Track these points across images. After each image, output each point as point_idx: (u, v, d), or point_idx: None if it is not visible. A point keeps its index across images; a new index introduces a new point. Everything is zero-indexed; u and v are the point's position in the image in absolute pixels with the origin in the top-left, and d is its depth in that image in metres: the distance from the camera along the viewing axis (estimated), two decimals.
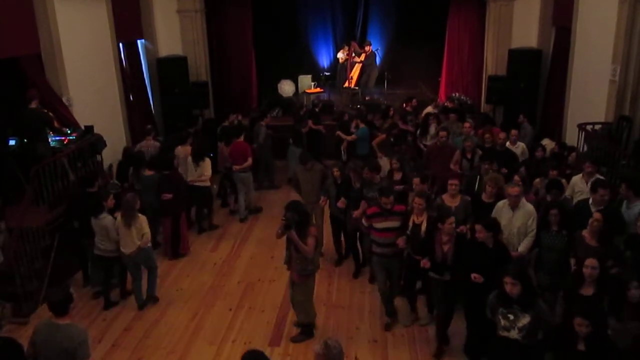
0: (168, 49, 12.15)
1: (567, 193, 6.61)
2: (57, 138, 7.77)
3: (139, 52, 11.50)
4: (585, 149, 8.57)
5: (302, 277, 5.62)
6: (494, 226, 5.13)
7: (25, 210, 6.62)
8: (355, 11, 15.23)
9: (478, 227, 5.10)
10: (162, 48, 12.09)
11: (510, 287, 4.23)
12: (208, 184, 8.44)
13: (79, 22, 8.86)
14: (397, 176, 7.41)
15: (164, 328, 6.21)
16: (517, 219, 5.70)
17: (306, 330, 5.94)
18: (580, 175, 6.59)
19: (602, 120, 8.63)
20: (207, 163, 8.27)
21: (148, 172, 7.78)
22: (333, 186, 7.27)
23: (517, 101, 11.25)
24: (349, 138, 10.10)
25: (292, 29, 14.79)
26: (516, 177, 6.36)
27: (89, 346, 4.04)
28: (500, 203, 5.86)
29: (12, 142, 7.74)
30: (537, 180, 7.05)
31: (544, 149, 8.26)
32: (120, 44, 10.42)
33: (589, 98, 9.27)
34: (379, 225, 5.82)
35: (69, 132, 7.99)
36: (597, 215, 5.19)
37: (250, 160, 8.87)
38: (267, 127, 10.39)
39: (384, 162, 9.25)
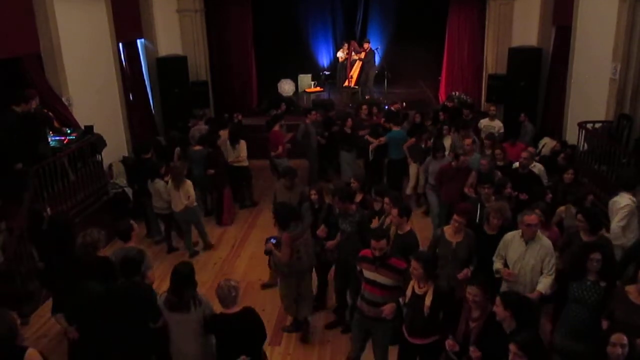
0: (168, 49, 12.16)
1: None
2: (57, 138, 7.76)
3: (138, 52, 11.51)
4: (586, 147, 8.57)
5: (285, 276, 5.66)
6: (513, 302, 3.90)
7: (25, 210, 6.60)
8: (355, 10, 15.26)
9: (472, 289, 4.02)
10: (161, 48, 12.09)
11: (513, 356, 3.45)
12: (245, 163, 9.28)
13: (79, 22, 8.85)
14: (358, 198, 6.25)
15: None
16: (531, 255, 4.74)
17: (295, 323, 6.02)
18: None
19: (603, 118, 8.63)
20: (243, 145, 9.13)
21: (196, 148, 8.78)
22: (309, 212, 6.29)
23: (518, 100, 11.26)
24: (376, 142, 9.30)
25: (292, 28, 14.81)
26: (537, 211, 5.14)
27: (150, 260, 5.17)
28: (509, 235, 4.94)
29: None
30: (562, 208, 5.86)
31: (574, 171, 6.82)
32: (120, 44, 10.42)
33: (590, 96, 9.27)
34: (369, 275, 4.63)
35: (68, 132, 7.98)
36: None
37: (280, 149, 9.43)
38: (311, 125, 9.97)
39: (412, 168, 9.01)
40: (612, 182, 7.03)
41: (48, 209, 6.50)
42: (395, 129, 9.18)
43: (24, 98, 6.66)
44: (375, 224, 5.89)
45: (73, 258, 4.82)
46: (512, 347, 3.42)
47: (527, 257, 4.74)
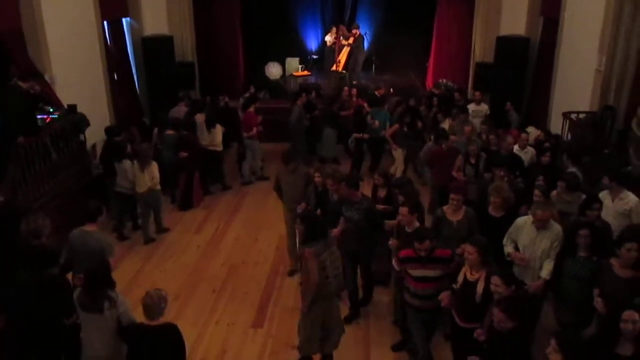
0: (154, 28, 11.96)
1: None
2: (40, 117, 7.63)
3: (123, 31, 11.30)
4: (569, 137, 8.66)
5: (312, 303, 4.73)
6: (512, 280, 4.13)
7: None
8: None
9: (495, 279, 4.08)
10: (147, 27, 11.90)
11: (550, 349, 3.41)
12: (219, 148, 9.37)
13: None
14: (382, 193, 6.17)
15: None
16: (542, 240, 4.86)
17: None
18: (607, 191, 5.63)
19: (587, 109, 8.71)
20: (219, 130, 9.20)
21: (169, 132, 8.80)
22: (313, 194, 6.25)
23: (504, 88, 11.29)
24: (359, 136, 9.78)
25: (280, 11, 14.64)
26: (536, 192, 5.44)
27: (113, 248, 5.25)
28: (521, 220, 5.04)
29: None
30: (554, 192, 5.87)
31: (552, 152, 7.01)
32: (105, 22, 10.22)
33: (575, 87, 9.34)
34: (416, 273, 4.66)
35: (51, 110, 7.85)
36: (632, 245, 4.20)
37: (254, 130, 9.51)
38: (303, 107, 10.32)
39: (398, 154, 9.31)
40: (594, 172, 7.12)
41: (1, 197, 6.03)
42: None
43: (28, 75, 6.75)
44: (392, 224, 5.59)
45: (12, 246, 4.64)
46: (552, 343, 3.40)
47: (537, 243, 4.87)
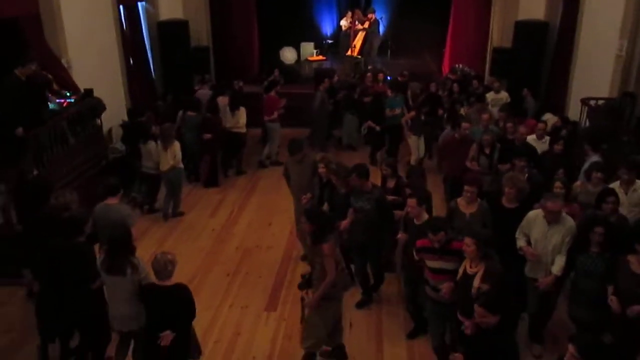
0: (169, 13, 11.97)
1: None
2: (57, 101, 7.71)
3: (139, 15, 11.32)
4: (587, 124, 8.54)
5: (328, 300, 4.70)
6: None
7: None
8: None
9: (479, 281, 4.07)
10: (163, 11, 11.91)
11: (569, 356, 3.26)
12: (243, 130, 9.39)
13: None
14: (390, 184, 6.08)
15: None
16: (553, 235, 4.71)
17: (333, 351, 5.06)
18: (618, 183, 5.39)
19: (607, 95, 8.56)
20: (242, 112, 9.24)
21: (191, 113, 8.89)
22: (317, 185, 6.13)
23: (522, 74, 11.13)
24: (374, 126, 9.59)
25: None
26: (557, 184, 5.31)
27: (133, 217, 5.50)
28: (532, 213, 4.89)
29: None
30: (578, 183, 5.70)
31: (566, 140, 6.81)
32: (121, 6, 10.25)
33: (594, 73, 9.18)
34: (433, 264, 4.60)
35: (68, 95, 7.93)
36: None
37: (275, 114, 9.63)
38: (325, 92, 10.30)
39: (412, 141, 9.18)
40: (612, 161, 7.02)
41: (35, 171, 6.44)
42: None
43: (26, 61, 6.59)
44: (400, 214, 5.55)
45: (43, 217, 4.96)
46: (570, 348, 3.24)
47: (549, 237, 4.73)
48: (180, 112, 9.22)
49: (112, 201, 5.45)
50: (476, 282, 4.18)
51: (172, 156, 7.62)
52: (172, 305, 4.17)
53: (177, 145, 7.70)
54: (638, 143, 7.08)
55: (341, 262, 4.76)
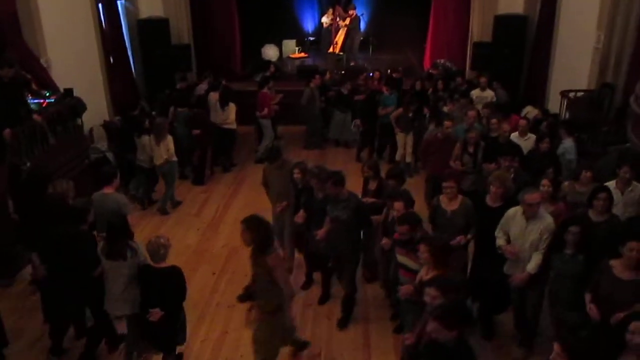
0: (149, 11, 11.86)
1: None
2: (36, 101, 7.59)
3: (119, 13, 11.19)
4: (567, 116, 8.66)
5: (266, 314, 4.49)
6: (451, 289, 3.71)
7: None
8: None
9: (431, 290, 3.69)
10: (143, 9, 11.81)
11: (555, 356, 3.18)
12: (233, 126, 9.47)
13: None
14: (372, 186, 5.88)
15: None
16: (531, 231, 4.63)
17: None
18: (614, 182, 5.23)
19: (585, 87, 8.69)
20: (232, 108, 9.32)
21: (181, 109, 9.05)
22: (293, 192, 5.89)
23: (502, 68, 11.24)
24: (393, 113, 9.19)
25: None
26: (545, 181, 5.13)
27: (129, 206, 5.75)
28: (512, 210, 4.77)
29: None
30: (566, 183, 5.61)
31: (550, 138, 6.67)
32: (100, 4, 10.12)
33: (573, 65, 9.32)
34: (400, 259, 4.58)
35: (47, 94, 7.81)
36: (633, 244, 3.91)
37: (266, 110, 9.73)
38: (317, 89, 10.31)
39: (400, 138, 9.14)
40: (592, 150, 7.16)
41: (27, 163, 6.48)
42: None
43: (9, 62, 6.51)
44: (379, 219, 5.42)
45: (46, 206, 5.09)
46: (555, 347, 3.16)
47: (527, 234, 4.64)
48: (172, 108, 9.27)
49: (109, 190, 5.60)
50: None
51: (165, 150, 7.76)
52: (163, 285, 4.36)
53: (169, 140, 7.84)
54: (617, 133, 7.21)
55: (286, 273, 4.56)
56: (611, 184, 5.16)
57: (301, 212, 5.56)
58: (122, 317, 4.78)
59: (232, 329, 5.55)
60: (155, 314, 4.34)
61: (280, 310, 4.44)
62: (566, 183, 5.61)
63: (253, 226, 4.25)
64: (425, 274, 4.18)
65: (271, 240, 4.32)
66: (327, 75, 11.16)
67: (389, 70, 11.79)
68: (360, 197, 5.67)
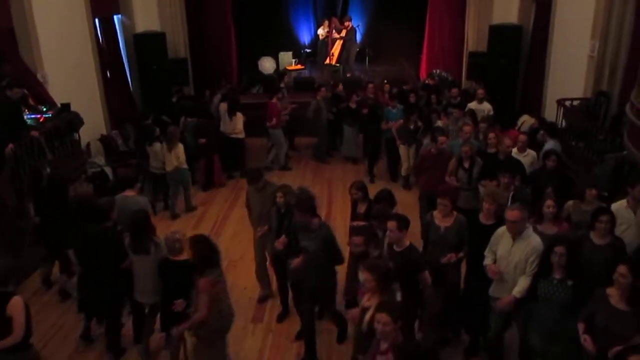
0: (145, 25, 11.89)
1: None
2: (33, 116, 7.60)
3: (115, 28, 11.25)
4: (564, 124, 8.68)
5: (204, 340, 4.52)
6: None
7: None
8: None
9: (382, 317, 3.39)
10: (139, 23, 11.82)
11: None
12: (241, 135, 9.72)
13: None
14: (361, 208, 5.60)
15: None
16: (516, 252, 4.41)
17: None
18: (625, 202, 4.93)
19: (581, 95, 8.73)
20: (240, 118, 9.59)
21: (189, 119, 9.40)
22: (275, 216, 5.49)
23: (498, 77, 11.29)
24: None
25: (273, 6, 14.58)
26: (549, 202, 4.86)
27: (149, 207, 6.21)
28: (501, 229, 4.59)
29: None
30: (570, 202, 5.31)
31: (557, 156, 6.30)
32: (96, 19, 10.17)
33: (568, 74, 9.35)
34: (359, 275, 4.05)
35: (44, 109, 7.83)
36: (622, 268, 3.73)
37: (274, 120, 9.83)
38: (324, 100, 10.28)
39: (403, 151, 9.04)
40: (589, 157, 7.18)
41: (48, 169, 6.71)
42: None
43: (16, 83, 6.81)
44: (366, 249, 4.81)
45: (72, 206, 5.62)
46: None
47: (512, 254, 4.44)
48: (183, 118, 9.54)
49: (130, 193, 6.00)
50: (367, 316, 3.74)
51: (175, 157, 8.13)
52: (180, 276, 4.64)
53: (180, 147, 8.20)
54: (613, 141, 7.23)
55: (221, 304, 4.49)
56: (622, 204, 4.91)
57: (282, 238, 5.21)
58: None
59: (233, 342, 5.40)
60: (179, 304, 4.61)
61: (219, 338, 4.65)
62: (571, 202, 5.33)
63: (194, 245, 4.52)
64: (367, 299, 3.90)
65: (213, 262, 4.47)
66: (340, 87, 10.91)
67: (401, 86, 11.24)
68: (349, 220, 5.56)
